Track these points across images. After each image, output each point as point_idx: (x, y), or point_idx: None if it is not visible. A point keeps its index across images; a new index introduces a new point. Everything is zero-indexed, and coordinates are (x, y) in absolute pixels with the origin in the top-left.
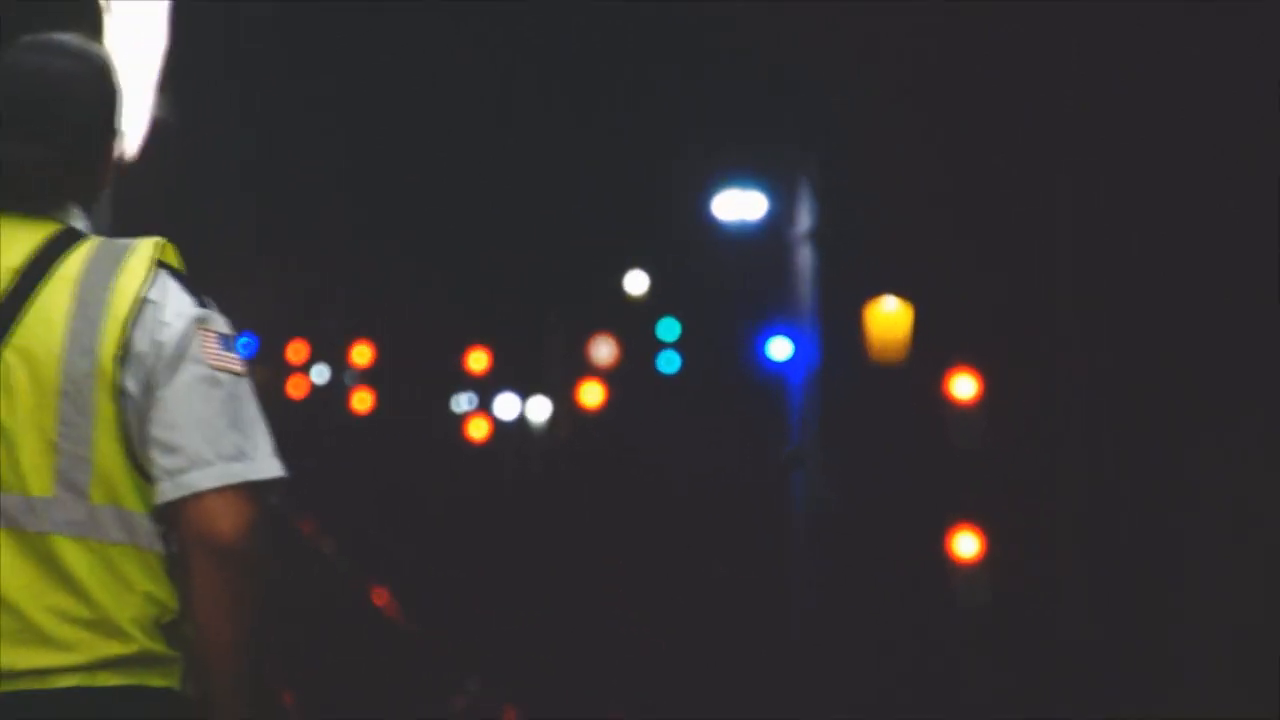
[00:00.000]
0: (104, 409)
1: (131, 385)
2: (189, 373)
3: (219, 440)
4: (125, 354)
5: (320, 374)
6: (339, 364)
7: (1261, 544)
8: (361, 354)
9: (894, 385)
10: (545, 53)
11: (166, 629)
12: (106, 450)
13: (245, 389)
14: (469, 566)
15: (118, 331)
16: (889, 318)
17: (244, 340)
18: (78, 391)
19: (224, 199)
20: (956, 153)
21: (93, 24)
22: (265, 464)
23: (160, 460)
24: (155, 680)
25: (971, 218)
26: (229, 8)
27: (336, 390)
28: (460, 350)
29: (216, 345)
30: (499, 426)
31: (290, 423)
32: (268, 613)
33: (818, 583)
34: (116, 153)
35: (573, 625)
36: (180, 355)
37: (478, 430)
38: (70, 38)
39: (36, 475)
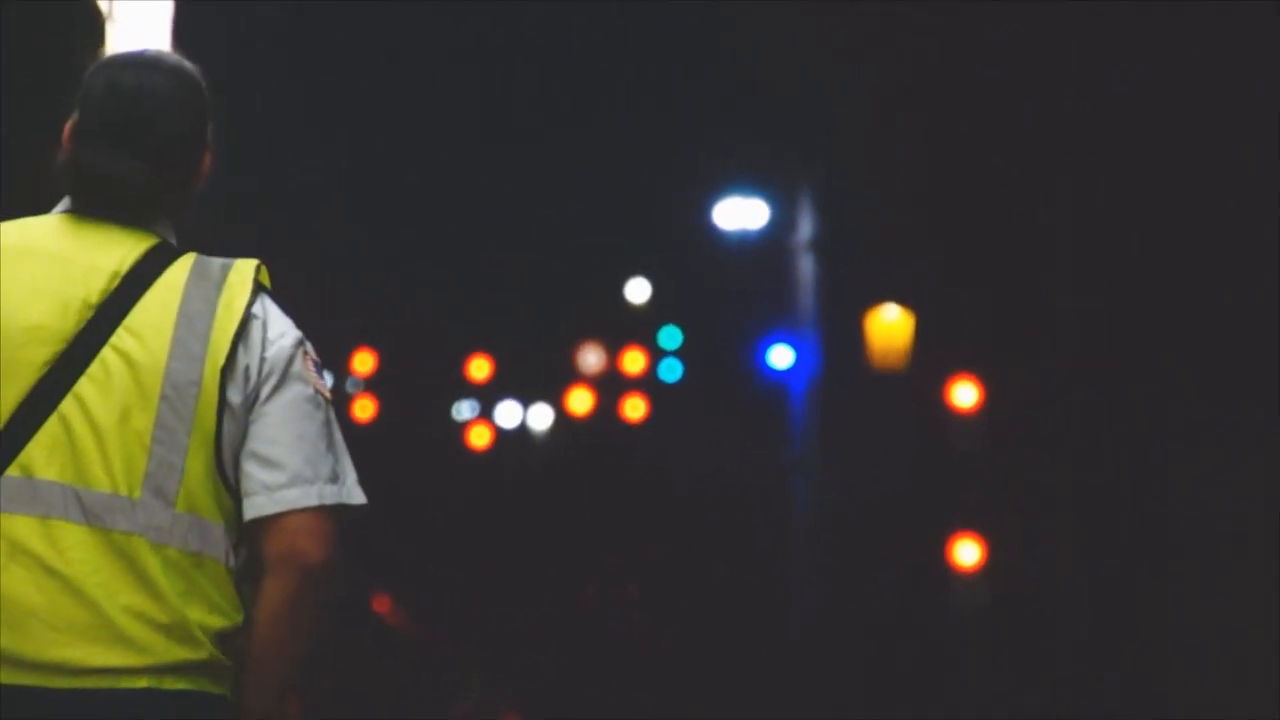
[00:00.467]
0: (203, 418)
1: (234, 398)
2: (294, 391)
3: (319, 460)
4: (231, 366)
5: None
6: (340, 372)
7: (1261, 548)
8: (363, 361)
9: (895, 392)
10: (546, 59)
11: (227, 639)
12: (197, 460)
13: (334, 414)
14: (470, 572)
15: (225, 343)
16: (890, 325)
17: None
18: (179, 398)
19: (224, 205)
20: (956, 160)
21: (94, 31)
22: (355, 490)
23: (258, 474)
24: (214, 687)
25: (972, 225)
26: (232, 14)
27: (338, 398)
28: (462, 358)
29: (315, 368)
30: (501, 434)
31: None
32: (329, 633)
33: (818, 588)
34: (207, 168)
35: (573, 629)
36: (286, 373)
37: (479, 438)
38: (166, 54)
39: (126, 476)
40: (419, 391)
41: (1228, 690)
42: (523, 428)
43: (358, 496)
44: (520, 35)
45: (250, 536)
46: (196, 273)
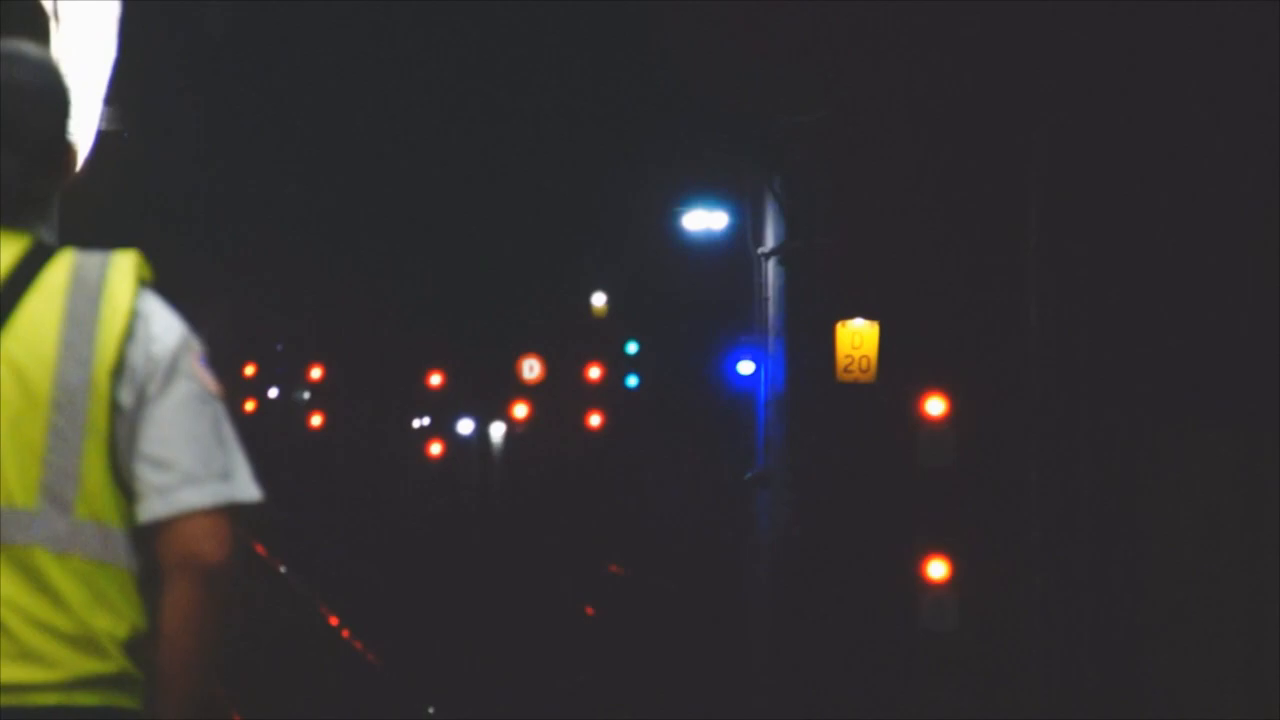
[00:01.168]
0: (96, 422)
1: (124, 399)
2: (182, 389)
3: (210, 458)
4: (120, 367)
5: (274, 393)
6: (295, 383)
7: (1232, 561)
8: (317, 373)
9: (861, 405)
10: (512, 75)
11: (135, 649)
12: (94, 464)
13: (224, 409)
14: (429, 587)
15: (114, 344)
16: (856, 336)
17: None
18: (70, 403)
19: (175, 215)
20: (925, 171)
21: (39, 34)
22: (248, 485)
23: (149, 476)
24: (126, 701)
25: (940, 237)
26: (182, 18)
27: (292, 409)
28: (420, 371)
29: (202, 363)
30: (456, 445)
31: (245, 443)
32: (225, 635)
33: (781, 602)
34: (73, 163)
35: (532, 648)
36: (173, 370)
37: (435, 450)
38: (26, 46)
39: (20, 487)
40: (376, 404)
41: (1200, 701)
42: (480, 438)
43: (251, 492)
44: (484, 51)
45: (144, 540)
46: (76, 271)
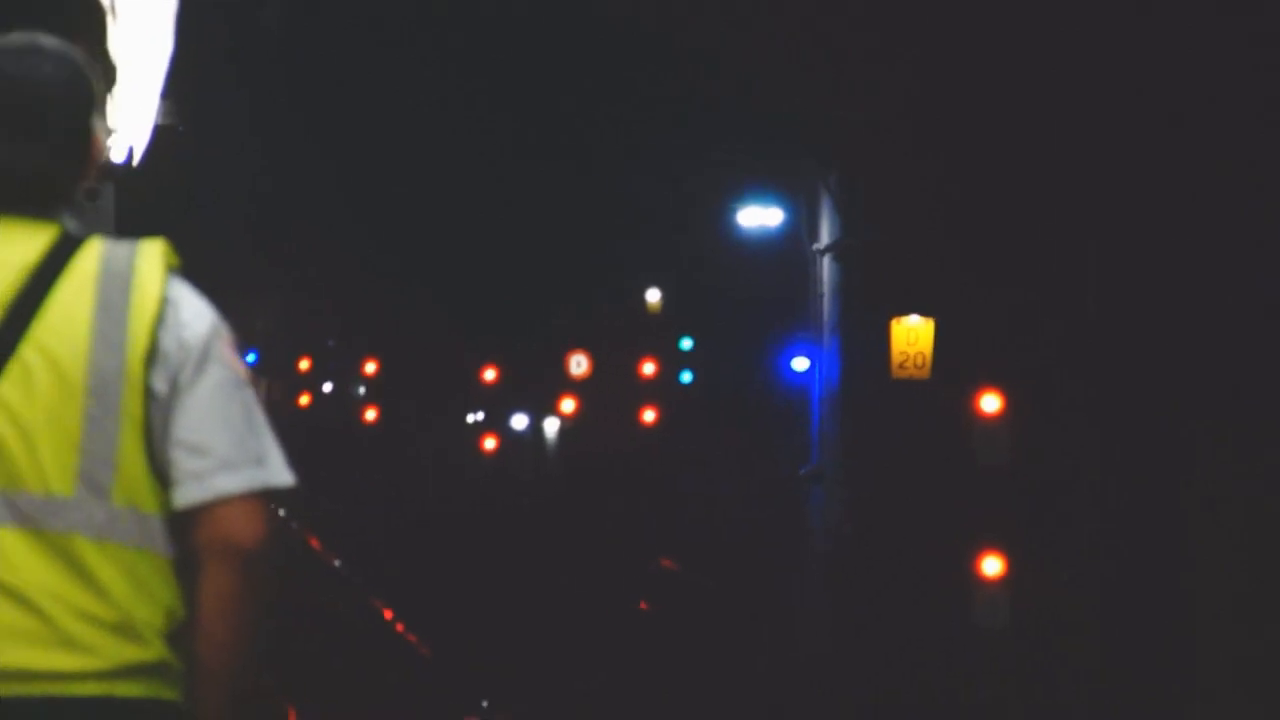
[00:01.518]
0: (131, 409)
1: (158, 385)
2: (215, 374)
3: (244, 444)
4: (153, 353)
5: (329, 387)
6: (350, 377)
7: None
8: (371, 368)
9: (916, 402)
10: (564, 70)
11: (174, 637)
12: (130, 451)
13: (254, 395)
14: (481, 581)
15: (146, 331)
16: (912, 333)
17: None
18: (105, 390)
19: (232, 209)
20: (980, 167)
21: (97, 31)
22: (281, 471)
23: (185, 462)
24: (167, 693)
25: (995, 233)
26: (238, 13)
27: (347, 403)
28: (475, 367)
29: (232, 349)
30: (511, 441)
31: (299, 435)
32: (268, 623)
33: (834, 600)
34: (98, 154)
35: (583, 640)
36: (206, 357)
37: (489, 444)
38: (47, 39)
39: (58, 474)
40: (431, 399)
41: (1249, 703)
42: (534, 433)
43: (285, 477)
44: (536, 44)
45: (181, 526)
46: (105, 260)
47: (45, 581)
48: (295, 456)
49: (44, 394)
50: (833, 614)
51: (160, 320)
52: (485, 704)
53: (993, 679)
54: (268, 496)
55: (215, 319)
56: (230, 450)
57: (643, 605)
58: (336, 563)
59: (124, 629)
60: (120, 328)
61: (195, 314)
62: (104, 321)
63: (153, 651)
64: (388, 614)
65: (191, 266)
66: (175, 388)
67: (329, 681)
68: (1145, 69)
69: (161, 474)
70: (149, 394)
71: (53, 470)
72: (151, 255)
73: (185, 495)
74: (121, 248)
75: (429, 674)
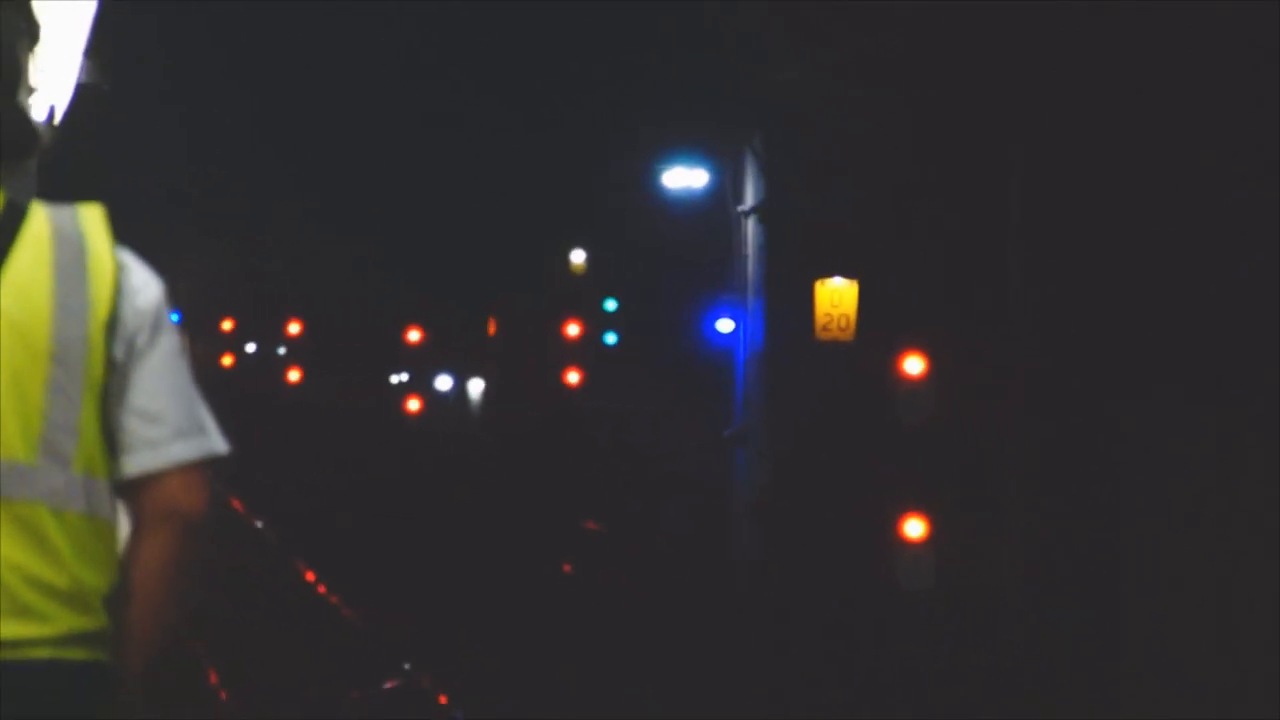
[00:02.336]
0: (93, 376)
1: (118, 352)
2: (167, 342)
3: (193, 411)
4: (113, 321)
5: (253, 348)
6: (273, 338)
7: (1209, 521)
8: (295, 329)
9: (840, 363)
10: (488, 31)
11: (110, 602)
12: (90, 419)
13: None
14: (405, 545)
15: (106, 296)
16: (836, 294)
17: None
18: (68, 356)
19: (155, 169)
20: (905, 130)
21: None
22: (219, 438)
23: (140, 430)
24: (103, 655)
25: (920, 196)
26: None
27: (271, 364)
28: (398, 327)
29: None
30: (435, 402)
31: (223, 397)
32: (197, 587)
33: (758, 561)
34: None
35: (509, 605)
36: (159, 323)
37: (413, 405)
38: None
39: (22, 442)
40: (355, 361)
41: (1172, 662)
42: (459, 395)
43: (221, 445)
44: (462, 7)
45: (123, 492)
46: (55, 226)
47: (4, 551)
48: (221, 417)
49: (8, 361)
50: (756, 574)
51: (118, 286)
52: (407, 666)
53: (917, 639)
54: (208, 463)
55: (160, 285)
56: (181, 418)
57: (566, 568)
58: (259, 524)
59: (75, 597)
60: (81, 294)
61: (144, 281)
62: (64, 288)
63: (100, 619)
64: (310, 576)
65: (116, 226)
66: (131, 354)
67: (252, 644)
68: (1070, 33)
69: (111, 440)
70: (109, 361)
71: (16, 437)
72: (95, 221)
73: (140, 462)
74: (64, 212)
75: (352, 637)
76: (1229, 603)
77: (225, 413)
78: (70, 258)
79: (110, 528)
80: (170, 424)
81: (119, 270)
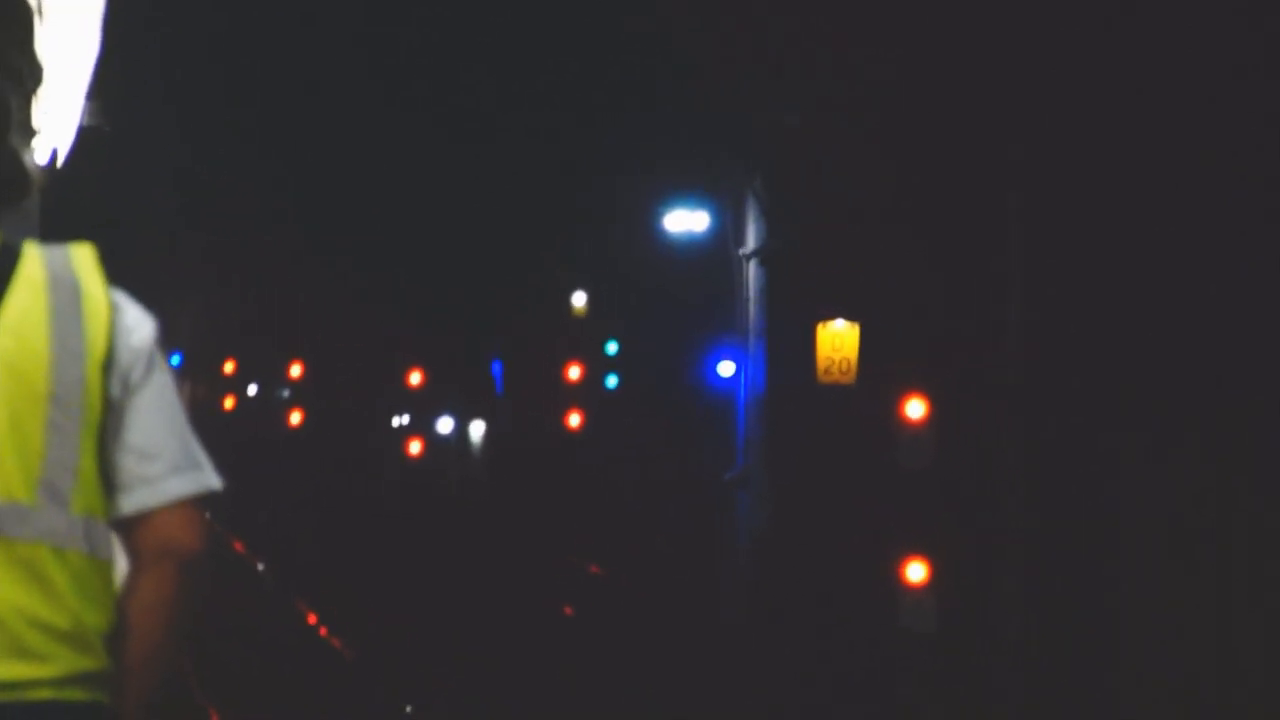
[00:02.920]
0: (90, 416)
1: (114, 391)
2: (160, 378)
3: (187, 447)
4: (110, 360)
5: (254, 390)
6: (275, 380)
7: (1207, 563)
8: (296, 370)
9: (842, 407)
10: (491, 72)
11: (109, 640)
12: (89, 459)
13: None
14: (407, 587)
15: (103, 336)
16: (837, 338)
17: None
18: (68, 396)
19: (156, 211)
20: (907, 175)
21: (25, 30)
22: (213, 474)
23: (136, 467)
24: (103, 695)
25: (922, 240)
26: (167, 17)
27: (272, 406)
28: (400, 370)
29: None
30: (436, 444)
31: (225, 438)
32: (196, 626)
33: (760, 604)
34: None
35: (510, 648)
36: (152, 361)
37: (414, 448)
38: None
39: (21, 482)
40: (356, 402)
41: (1171, 704)
42: (460, 437)
43: (216, 481)
44: (465, 47)
45: (120, 530)
46: (49, 266)
47: (5, 592)
48: (222, 459)
49: (7, 403)
50: (758, 617)
51: (113, 325)
52: (409, 709)
53: (919, 683)
54: (204, 500)
55: (153, 323)
56: (177, 453)
57: (568, 610)
58: (260, 566)
59: (76, 637)
60: (77, 335)
61: (137, 319)
62: (61, 329)
63: (99, 657)
64: (311, 618)
65: (117, 267)
66: (126, 392)
67: (252, 685)
68: (1062, 70)
69: (107, 479)
70: (106, 401)
71: (16, 477)
72: (87, 261)
73: (136, 500)
74: (56, 252)
75: (353, 678)
76: (1229, 648)
77: (227, 456)
78: (65, 299)
79: (110, 567)
80: (166, 460)
81: (113, 310)
